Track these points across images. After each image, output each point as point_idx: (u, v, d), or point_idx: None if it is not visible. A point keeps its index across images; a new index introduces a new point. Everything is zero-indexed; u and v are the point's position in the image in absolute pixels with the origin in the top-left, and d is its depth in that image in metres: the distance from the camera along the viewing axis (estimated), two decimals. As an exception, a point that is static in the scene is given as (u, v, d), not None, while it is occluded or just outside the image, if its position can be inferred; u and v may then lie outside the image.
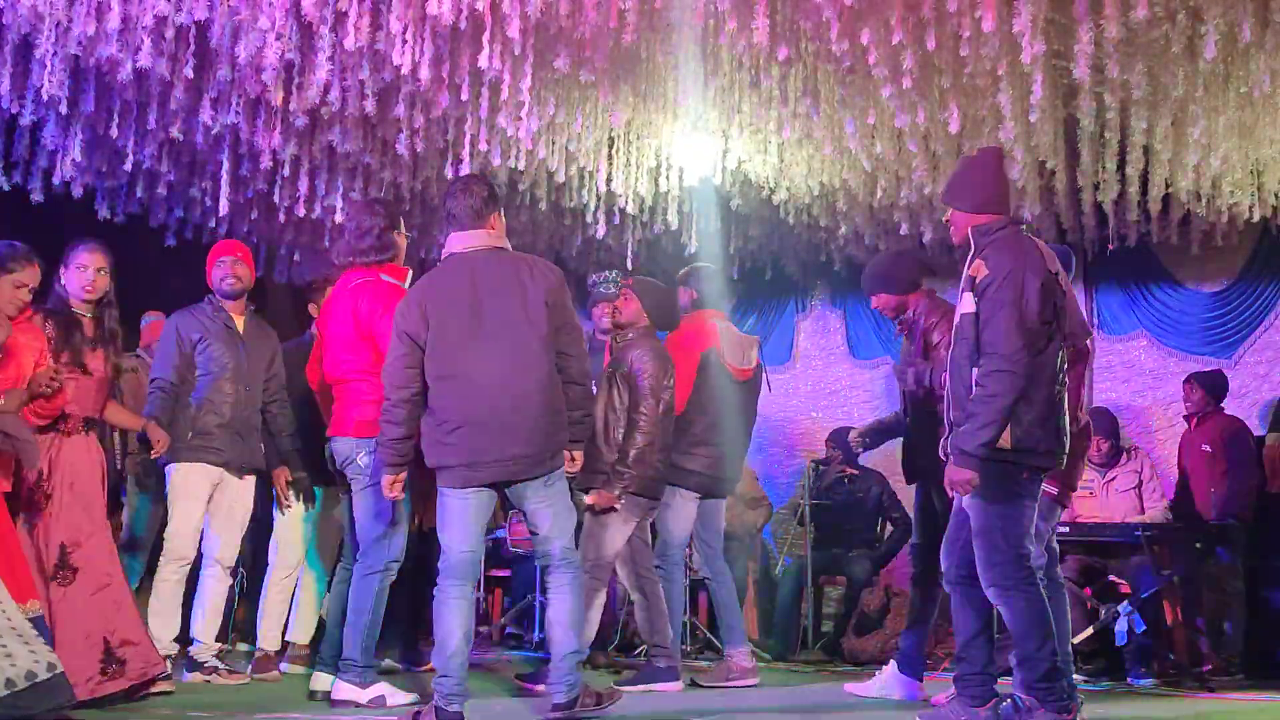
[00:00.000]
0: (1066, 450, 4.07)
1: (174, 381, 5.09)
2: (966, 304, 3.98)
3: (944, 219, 4.34)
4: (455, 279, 4.02)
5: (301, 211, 7.02)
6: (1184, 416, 6.92)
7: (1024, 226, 4.28)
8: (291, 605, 5.49)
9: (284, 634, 5.49)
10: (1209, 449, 6.62)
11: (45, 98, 5.58)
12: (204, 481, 5.08)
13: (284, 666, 5.44)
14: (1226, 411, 6.78)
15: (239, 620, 6.38)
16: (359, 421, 4.41)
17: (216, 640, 5.25)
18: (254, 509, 5.40)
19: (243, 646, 6.21)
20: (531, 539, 4.28)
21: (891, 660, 5.19)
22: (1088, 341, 4.73)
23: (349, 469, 4.52)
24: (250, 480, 5.26)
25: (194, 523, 5.08)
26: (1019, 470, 3.91)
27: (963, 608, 4.10)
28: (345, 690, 4.45)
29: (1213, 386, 6.79)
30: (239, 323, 5.26)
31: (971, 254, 4.06)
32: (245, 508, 5.25)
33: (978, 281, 3.94)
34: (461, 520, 4.05)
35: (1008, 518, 3.90)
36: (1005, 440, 3.86)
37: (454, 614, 4.00)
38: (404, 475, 4.15)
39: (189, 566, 5.11)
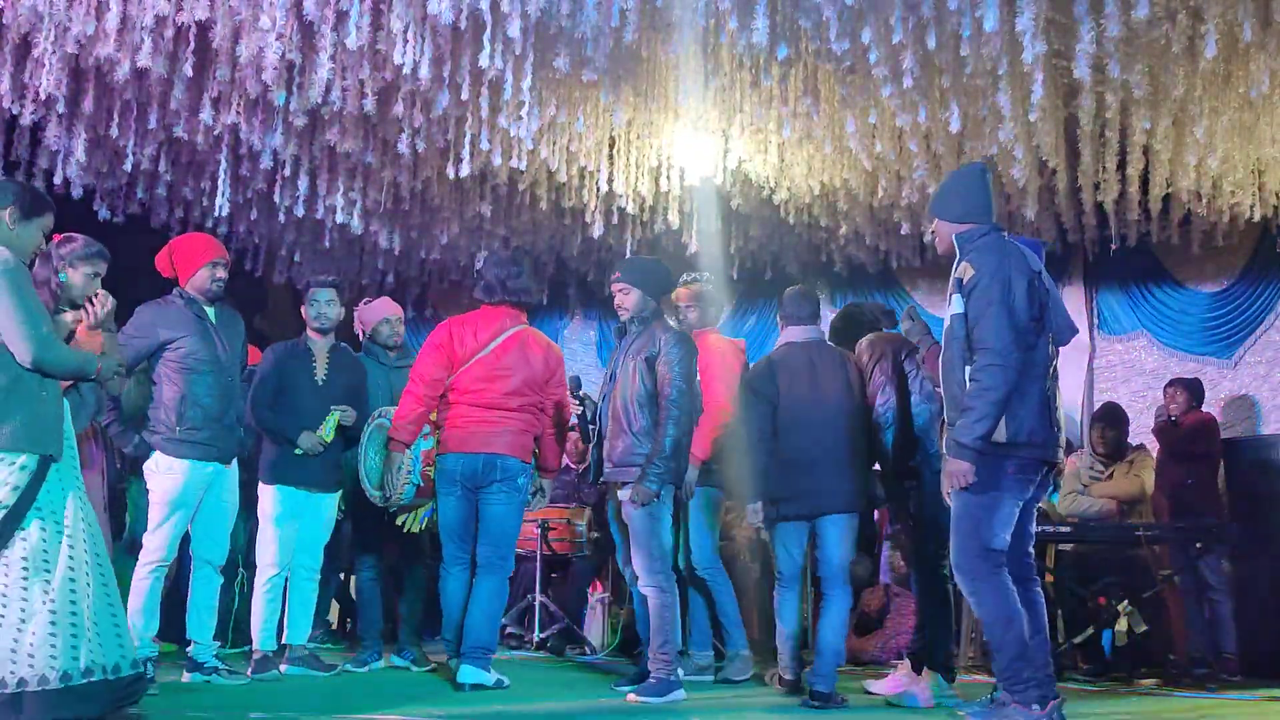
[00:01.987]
0: (1062, 444, 4.10)
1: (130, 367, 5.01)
2: (955, 305, 4.07)
3: (930, 230, 4.39)
4: (799, 359, 5.08)
5: (301, 211, 7.02)
6: (1168, 419, 6.91)
7: (1004, 233, 4.29)
8: (284, 607, 5.49)
9: (280, 635, 5.49)
10: (1187, 448, 6.65)
11: (45, 97, 5.58)
12: (196, 489, 5.04)
13: (284, 667, 5.44)
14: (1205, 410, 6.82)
15: (239, 620, 6.36)
16: (525, 448, 5.16)
17: (215, 639, 5.23)
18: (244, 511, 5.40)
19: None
20: (819, 561, 4.96)
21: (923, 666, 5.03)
22: (1070, 342, 4.69)
23: (506, 485, 5.04)
24: (234, 471, 5.23)
25: (180, 530, 5.05)
26: (1006, 464, 3.97)
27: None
28: (478, 675, 4.96)
29: (1195, 390, 6.85)
30: (210, 313, 5.17)
31: (957, 259, 4.17)
32: (232, 504, 5.21)
33: (964, 282, 4.04)
34: (784, 541, 4.95)
35: (985, 509, 3.96)
36: (1000, 434, 3.93)
37: (789, 612, 4.96)
38: None
39: (166, 566, 5.07)
